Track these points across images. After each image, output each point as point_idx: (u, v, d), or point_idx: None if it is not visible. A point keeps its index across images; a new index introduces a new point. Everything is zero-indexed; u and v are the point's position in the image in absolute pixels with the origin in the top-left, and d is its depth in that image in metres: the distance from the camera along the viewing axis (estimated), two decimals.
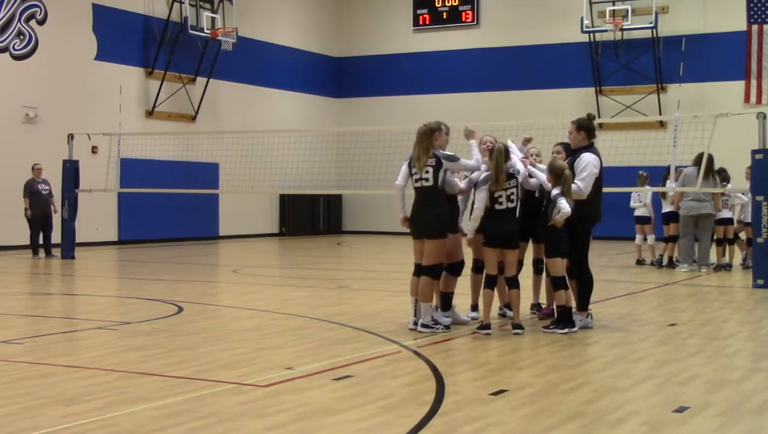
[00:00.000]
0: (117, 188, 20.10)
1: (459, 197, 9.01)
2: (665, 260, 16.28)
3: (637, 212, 16.97)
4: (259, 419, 5.33)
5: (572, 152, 8.97)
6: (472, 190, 8.77)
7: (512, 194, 8.53)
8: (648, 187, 16.34)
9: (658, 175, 17.12)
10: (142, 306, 10.84)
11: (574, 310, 8.87)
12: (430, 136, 8.51)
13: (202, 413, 5.46)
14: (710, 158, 14.28)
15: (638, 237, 17.04)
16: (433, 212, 8.48)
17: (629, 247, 19.68)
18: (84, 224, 20.44)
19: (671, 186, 15.12)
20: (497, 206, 8.51)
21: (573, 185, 8.59)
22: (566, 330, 8.58)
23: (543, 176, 8.77)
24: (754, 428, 5.29)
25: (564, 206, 8.45)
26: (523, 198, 8.86)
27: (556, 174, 8.56)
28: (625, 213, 17.43)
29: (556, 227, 8.58)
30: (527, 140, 9.39)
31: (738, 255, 16.57)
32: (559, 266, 8.67)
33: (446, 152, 8.58)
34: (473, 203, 8.70)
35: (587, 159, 8.75)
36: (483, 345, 8.02)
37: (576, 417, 5.42)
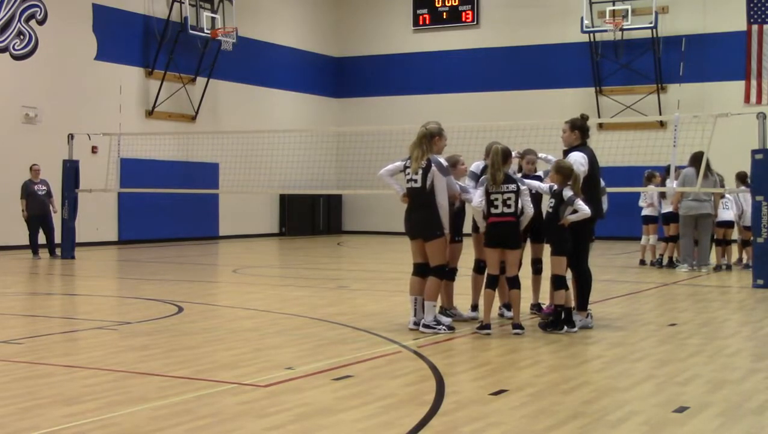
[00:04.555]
0: (117, 188, 20.08)
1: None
2: (665, 260, 16.27)
3: (644, 212, 16.80)
4: (259, 419, 5.33)
5: (564, 153, 9.06)
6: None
7: (509, 199, 8.49)
8: (653, 187, 16.22)
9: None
10: (142, 306, 10.84)
11: (573, 310, 8.88)
12: (430, 139, 8.53)
13: (202, 413, 5.46)
14: (706, 158, 14.26)
15: (644, 237, 16.85)
16: (420, 215, 8.52)
17: (630, 247, 19.68)
18: (84, 224, 20.44)
19: (671, 186, 15.10)
20: (493, 210, 8.51)
21: None
22: (566, 330, 8.58)
23: (534, 183, 8.86)
24: (754, 428, 5.29)
25: (583, 207, 8.50)
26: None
27: (565, 174, 8.58)
28: (625, 213, 17.37)
29: (564, 226, 8.59)
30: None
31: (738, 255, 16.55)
32: (563, 264, 8.68)
33: (442, 162, 8.56)
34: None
35: (573, 158, 8.88)
36: (483, 345, 8.02)
37: (576, 417, 5.42)
